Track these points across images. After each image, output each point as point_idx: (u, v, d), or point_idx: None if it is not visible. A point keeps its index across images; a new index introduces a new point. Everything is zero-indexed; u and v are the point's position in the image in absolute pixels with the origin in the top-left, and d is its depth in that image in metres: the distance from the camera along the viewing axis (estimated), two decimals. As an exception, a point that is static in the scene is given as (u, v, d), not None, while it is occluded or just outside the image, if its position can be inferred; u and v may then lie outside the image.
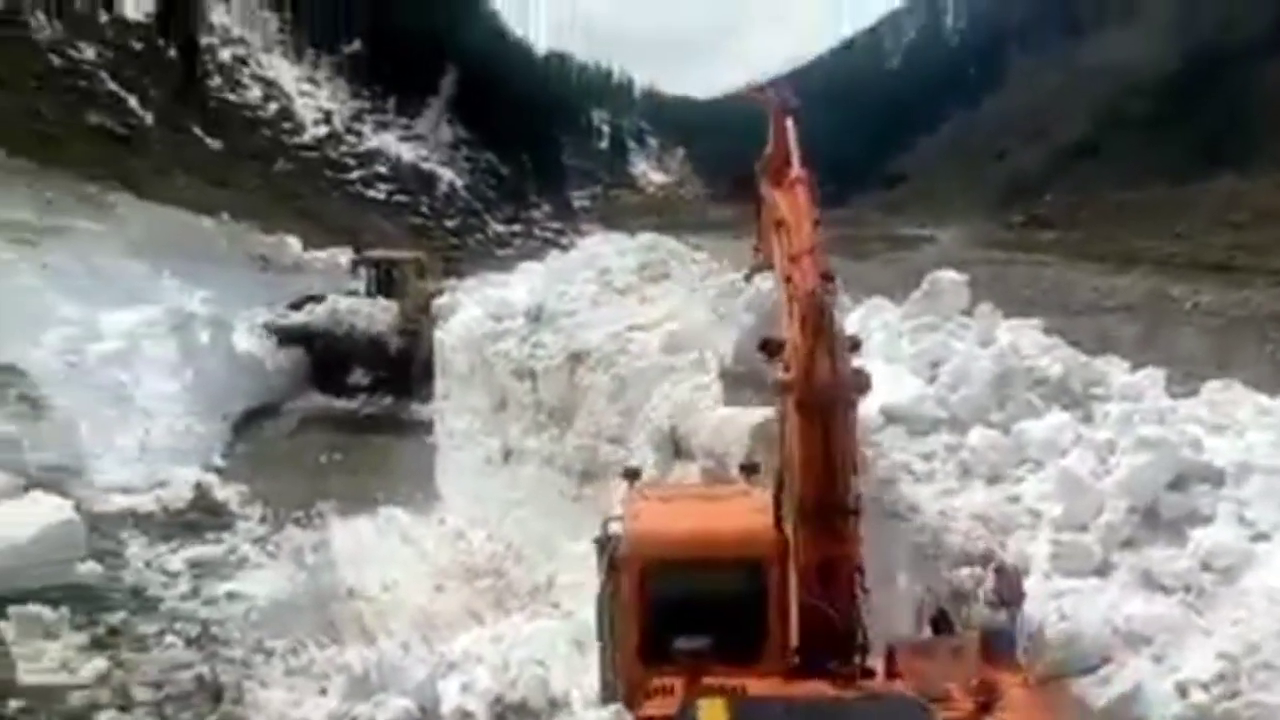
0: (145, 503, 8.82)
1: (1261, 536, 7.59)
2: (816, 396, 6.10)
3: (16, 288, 19.78)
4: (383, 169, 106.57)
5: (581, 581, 13.81)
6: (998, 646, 6.07)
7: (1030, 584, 8.11)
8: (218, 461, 19.80)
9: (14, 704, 6.08)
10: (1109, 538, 7.95)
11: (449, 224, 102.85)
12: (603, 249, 23.31)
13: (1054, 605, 7.76)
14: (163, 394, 21.34)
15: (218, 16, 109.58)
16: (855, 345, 6.79)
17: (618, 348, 14.79)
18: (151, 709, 6.34)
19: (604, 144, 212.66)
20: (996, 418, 9.80)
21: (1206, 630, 7.01)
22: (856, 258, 65.38)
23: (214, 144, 76.51)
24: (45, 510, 6.99)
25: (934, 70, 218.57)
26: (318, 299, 29.95)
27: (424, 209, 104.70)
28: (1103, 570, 7.91)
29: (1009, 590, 6.59)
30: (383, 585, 13.41)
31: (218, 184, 52.18)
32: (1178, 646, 7.03)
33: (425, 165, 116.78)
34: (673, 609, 5.75)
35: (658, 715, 5.23)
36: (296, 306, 29.84)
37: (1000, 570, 6.83)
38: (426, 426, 24.97)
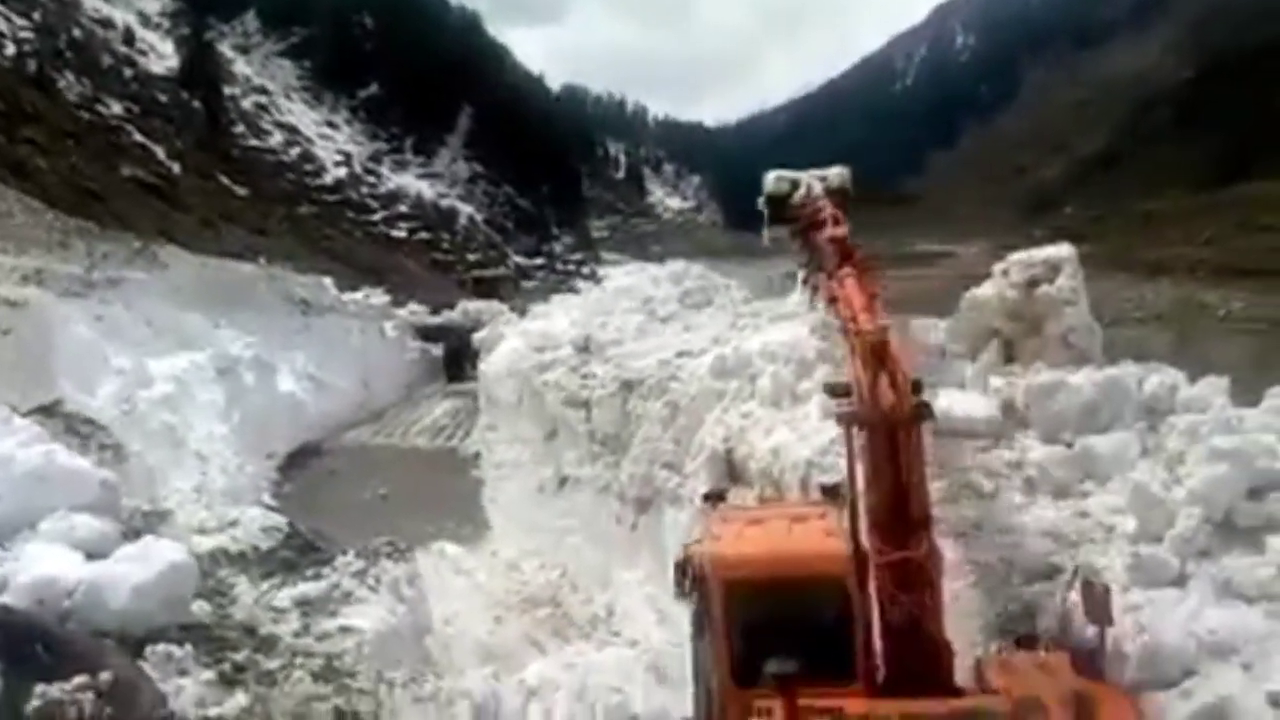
0: (225, 542, 9.05)
1: (1342, 541, 7.56)
2: (885, 418, 6.57)
3: (72, 338, 20.20)
4: (404, 207, 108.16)
5: (641, 610, 13.97)
6: (1087, 661, 6.16)
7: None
8: (268, 500, 20.15)
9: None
10: (1184, 549, 7.93)
11: (471, 258, 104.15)
12: (635, 279, 23.70)
13: (1132, 618, 7.76)
14: (212, 436, 21.73)
15: (239, 67, 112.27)
16: (917, 387, 7.06)
17: (668, 375, 14.95)
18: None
19: (621, 173, 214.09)
20: (1060, 432, 9.83)
21: (1294, 638, 6.98)
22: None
23: (240, 190, 78.09)
24: (162, 552, 7.24)
25: (946, 87, 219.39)
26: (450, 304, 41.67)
27: (445, 245, 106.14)
28: (1180, 581, 7.87)
29: (1098, 608, 6.63)
30: (443, 619, 13.54)
31: (252, 230, 53.21)
32: (1265, 656, 6.97)
33: (445, 202, 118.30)
34: (762, 630, 5.78)
35: None
36: (435, 311, 42.10)
37: (1089, 587, 6.84)
38: (472, 459, 25.34)
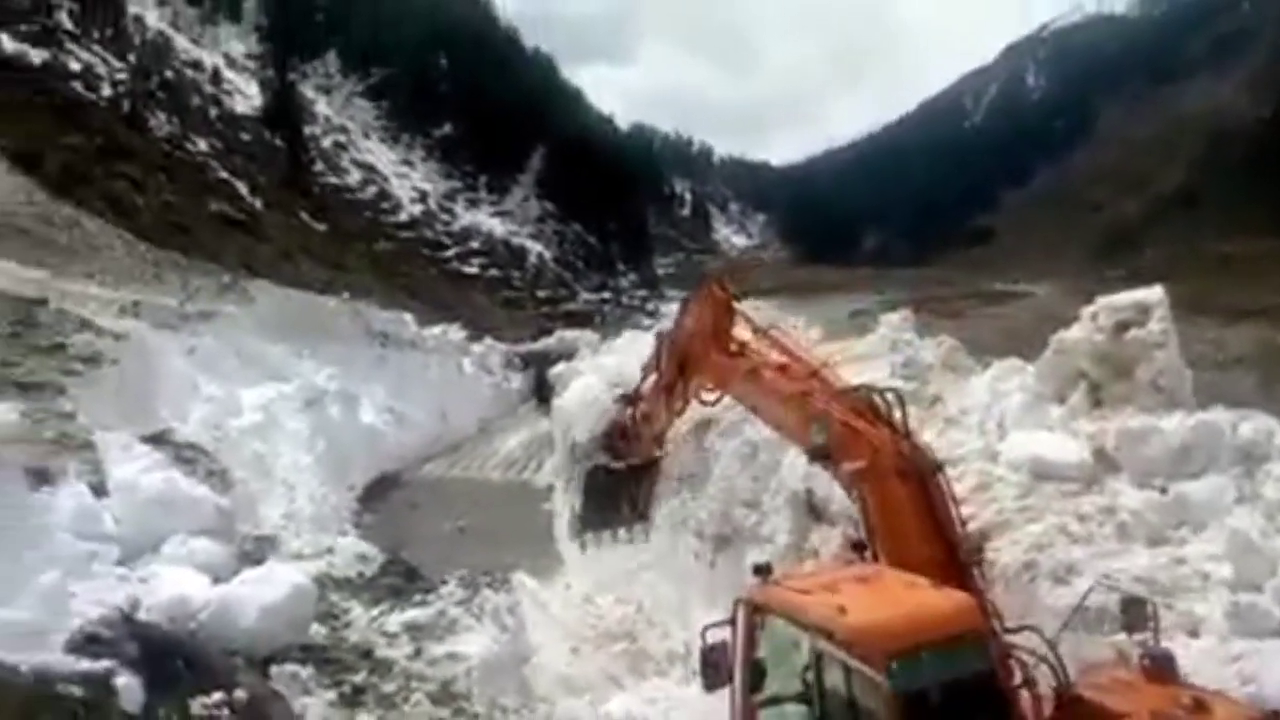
0: (325, 568, 9.42)
1: None
2: (896, 462, 7.06)
3: (167, 368, 21.10)
4: (476, 244, 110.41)
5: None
6: (1165, 668, 6.13)
7: (1205, 645, 8.06)
8: (347, 528, 20.66)
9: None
10: (1287, 598, 7.84)
11: (540, 294, 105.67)
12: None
13: (1235, 668, 7.65)
14: (298, 465, 22.37)
15: (319, 106, 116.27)
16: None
17: (745, 414, 15.04)
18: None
19: (686, 211, 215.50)
20: (1153, 478, 9.75)
21: (1403, 690, 6.86)
22: (950, 315, 64.79)
23: (319, 225, 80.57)
24: (286, 575, 7.62)
25: (1017, 125, 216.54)
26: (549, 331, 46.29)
27: (516, 282, 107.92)
28: (1282, 631, 7.78)
29: (1138, 620, 6.59)
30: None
31: (330, 265, 54.92)
32: (1375, 709, 6.85)
33: (516, 240, 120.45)
34: (922, 697, 5.35)
35: None
36: (534, 338, 46.45)
37: (1130, 601, 6.80)
38: (544, 491, 25.66)
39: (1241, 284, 74.21)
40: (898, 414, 7.70)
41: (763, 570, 6.74)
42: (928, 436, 13.06)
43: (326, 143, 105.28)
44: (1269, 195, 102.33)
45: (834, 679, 5.63)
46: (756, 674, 6.32)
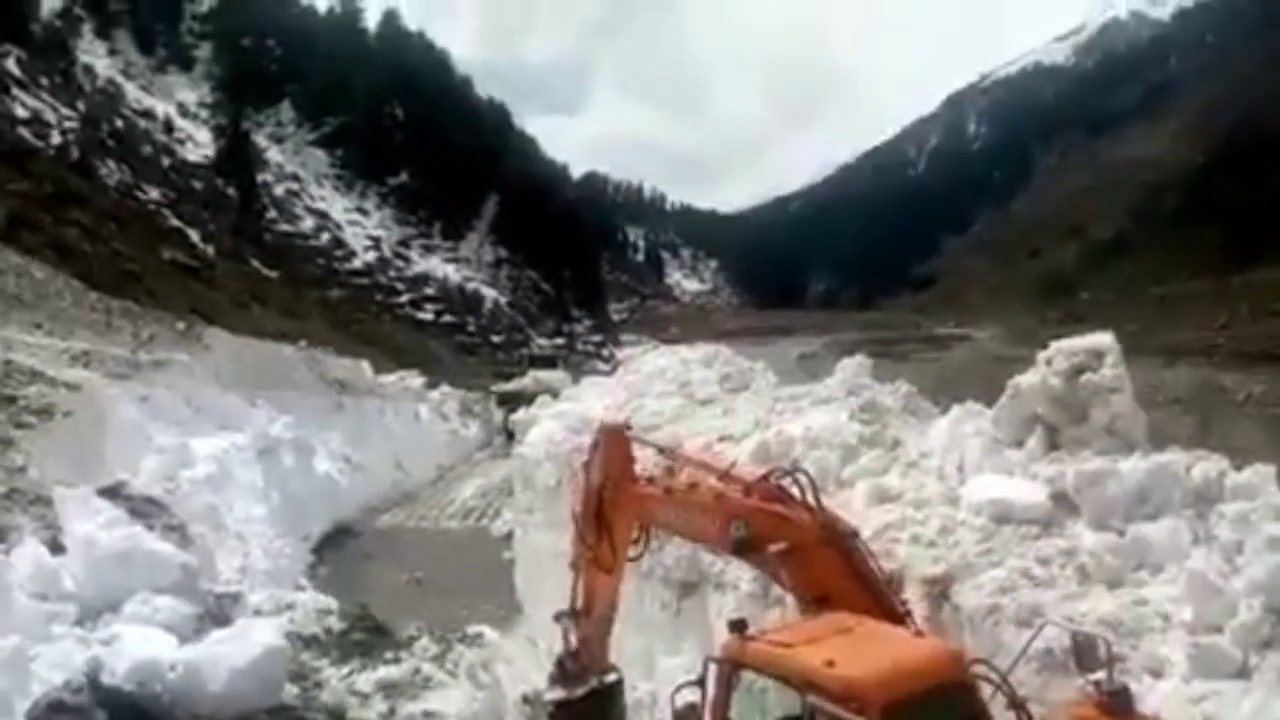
0: (287, 625, 9.20)
1: (1404, 630, 7.59)
2: (819, 533, 7.26)
3: (118, 419, 20.65)
4: (430, 290, 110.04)
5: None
6: (1121, 703, 6.24)
7: (1168, 686, 8.20)
8: (303, 582, 20.24)
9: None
10: (1247, 639, 7.96)
11: (495, 339, 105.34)
12: (667, 360, 24.01)
13: (1199, 709, 7.79)
14: (251, 517, 21.92)
15: (272, 155, 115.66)
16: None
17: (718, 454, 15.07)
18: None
19: (640, 257, 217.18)
20: (1110, 519, 9.94)
21: (1366, 732, 6.99)
22: (895, 359, 65.85)
23: (271, 273, 79.77)
24: (258, 635, 7.43)
25: (959, 173, 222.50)
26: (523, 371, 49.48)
27: (470, 328, 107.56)
28: (1244, 673, 7.90)
29: (1089, 656, 6.70)
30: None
31: (284, 312, 54.33)
32: (1335, 748, 7.02)
33: (470, 285, 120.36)
34: None
35: None
36: (507, 378, 48.94)
37: (1079, 637, 6.93)
38: (503, 542, 25.39)
39: (1178, 327, 76.47)
40: (809, 493, 7.90)
41: (738, 626, 6.59)
42: (891, 479, 13.28)
43: (279, 190, 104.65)
44: (1201, 241, 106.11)
45: None
46: None
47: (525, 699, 13.62)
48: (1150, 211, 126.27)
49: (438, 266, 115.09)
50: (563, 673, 10.34)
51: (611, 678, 10.42)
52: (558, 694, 10.14)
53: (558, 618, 11.31)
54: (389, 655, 8.41)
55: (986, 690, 6.16)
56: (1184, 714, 7.73)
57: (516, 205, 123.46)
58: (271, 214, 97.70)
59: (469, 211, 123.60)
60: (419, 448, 36.99)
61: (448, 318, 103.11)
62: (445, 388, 45.86)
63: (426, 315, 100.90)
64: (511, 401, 42.74)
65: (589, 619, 10.69)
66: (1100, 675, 6.58)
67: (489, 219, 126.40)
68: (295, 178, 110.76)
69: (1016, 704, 6.23)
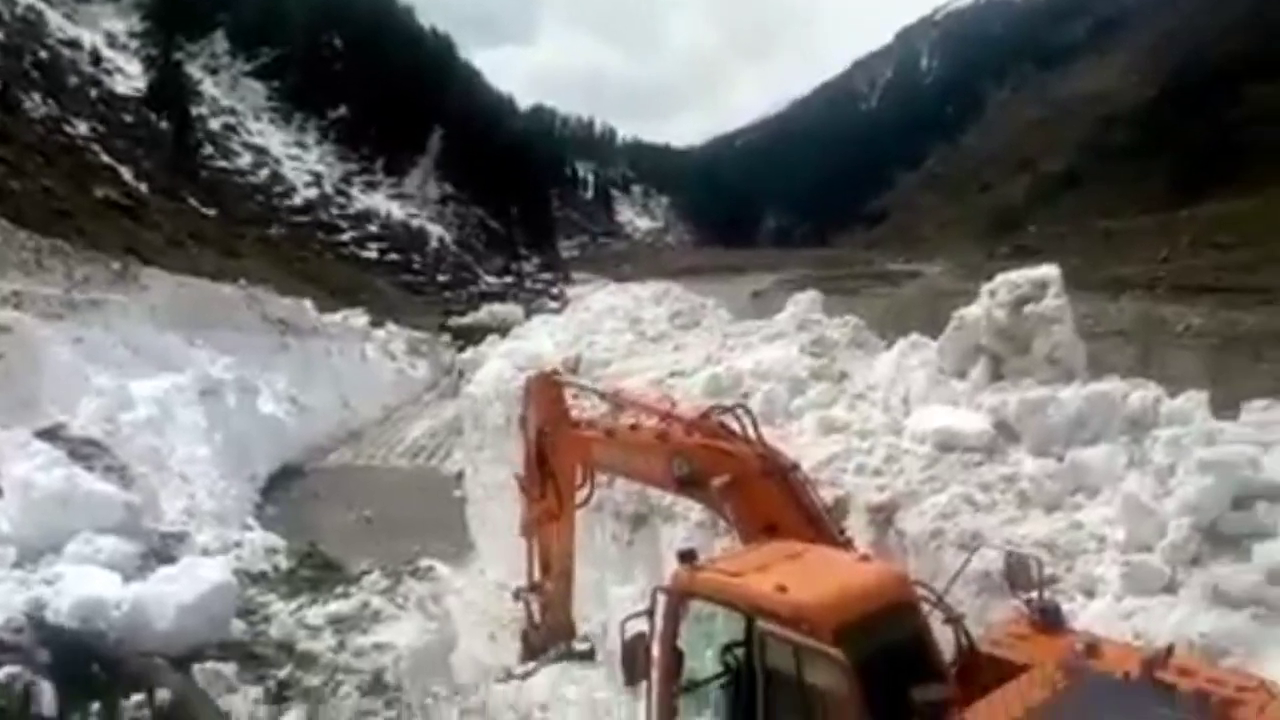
0: (235, 563, 9.13)
1: (1325, 547, 7.91)
2: (759, 465, 7.43)
3: (52, 360, 20.07)
4: (374, 228, 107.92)
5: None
6: (1053, 619, 6.48)
7: (1101, 604, 8.51)
8: (250, 522, 20.07)
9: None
10: (1175, 557, 8.27)
11: (441, 278, 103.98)
12: (618, 299, 23.92)
13: (1128, 624, 8.08)
14: (195, 458, 21.59)
15: (206, 87, 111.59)
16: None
17: (661, 394, 15.12)
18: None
19: (590, 194, 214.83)
20: (1050, 446, 10.19)
21: (1280, 641, 7.31)
22: (846, 294, 66.45)
23: (209, 210, 77.53)
24: (205, 572, 7.35)
25: (911, 108, 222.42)
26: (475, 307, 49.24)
27: (416, 266, 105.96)
28: (1172, 588, 8.21)
29: (1023, 576, 6.92)
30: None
31: (223, 252, 52.95)
32: (1255, 658, 7.31)
33: (415, 222, 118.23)
34: (867, 668, 5.29)
35: None
36: (462, 314, 50.41)
37: (1013, 558, 7.15)
38: (453, 480, 25.35)
39: (1122, 260, 77.99)
40: (749, 428, 7.97)
41: (687, 556, 6.49)
42: (838, 411, 13.47)
43: (215, 125, 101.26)
44: (1150, 174, 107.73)
45: (777, 658, 5.61)
46: (678, 662, 6.26)
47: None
48: (1100, 145, 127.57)
49: (381, 203, 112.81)
50: (528, 646, 10.50)
51: (583, 647, 10.60)
52: (517, 671, 10.18)
53: (517, 595, 11.33)
54: (338, 590, 8.41)
55: (925, 610, 6.29)
56: (1115, 629, 8.01)
57: (462, 140, 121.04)
58: (207, 149, 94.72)
59: (412, 146, 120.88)
60: (366, 388, 36.62)
61: (392, 256, 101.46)
62: (392, 327, 45.17)
63: (370, 253, 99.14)
64: (465, 336, 43.51)
65: (549, 578, 10.79)
66: (1033, 595, 6.80)
67: (434, 154, 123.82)
68: (231, 111, 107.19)
69: (953, 620, 6.40)
